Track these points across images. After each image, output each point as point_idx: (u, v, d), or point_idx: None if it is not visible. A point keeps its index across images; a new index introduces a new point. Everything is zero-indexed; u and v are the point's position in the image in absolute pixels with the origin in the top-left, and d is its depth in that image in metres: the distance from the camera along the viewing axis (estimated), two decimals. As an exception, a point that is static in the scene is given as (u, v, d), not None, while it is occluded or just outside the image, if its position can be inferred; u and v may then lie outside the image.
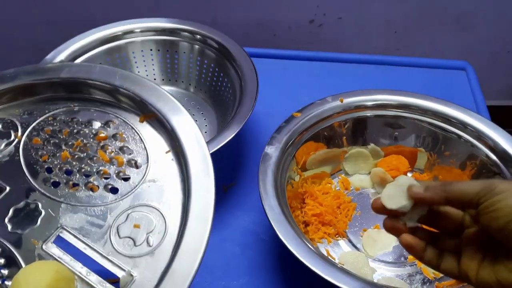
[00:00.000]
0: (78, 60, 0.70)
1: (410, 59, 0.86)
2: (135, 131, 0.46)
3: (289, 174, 0.57)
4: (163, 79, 0.78)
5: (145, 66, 0.77)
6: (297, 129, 0.59)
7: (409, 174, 0.63)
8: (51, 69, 0.49)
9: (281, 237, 0.47)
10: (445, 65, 0.85)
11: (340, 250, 0.56)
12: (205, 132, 0.71)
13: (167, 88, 0.78)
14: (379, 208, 0.38)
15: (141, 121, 0.47)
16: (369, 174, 0.64)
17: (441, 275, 0.52)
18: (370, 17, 1.07)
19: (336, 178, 0.64)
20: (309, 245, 0.47)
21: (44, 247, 0.39)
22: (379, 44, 1.14)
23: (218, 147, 0.55)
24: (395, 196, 0.38)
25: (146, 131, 0.47)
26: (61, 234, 0.40)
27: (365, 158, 0.64)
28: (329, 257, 0.54)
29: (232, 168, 0.68)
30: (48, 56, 0.68)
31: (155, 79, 0.78)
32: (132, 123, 0.47)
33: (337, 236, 0.57)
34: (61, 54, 0.69)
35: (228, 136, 0.57)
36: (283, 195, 0.53)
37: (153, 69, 0.77)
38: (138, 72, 0.77)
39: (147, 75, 0.77)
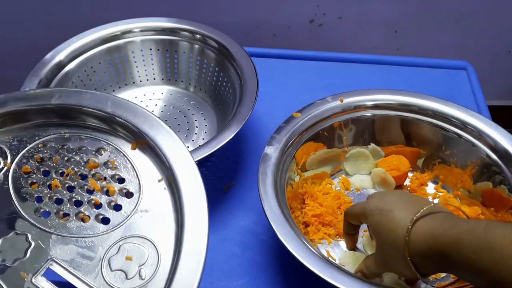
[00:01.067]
0: (78, 60, 0.70)
1: (410, 59, 0.86)
2: (127, 158, 0.45)
3: (289, 174, 0.57)
4: (162, 79, 0.78)
5: (144, 65, 0.76)
6: (297, 129, 0.59)
7: (410, 174, 0.63)
8: (41, 95, 0.48)
9: (280, 238, 0.47)
10: (445, 65, 0.85)
11: (340, 251, 0.56)
12: (205, 132, 0.71)
13: (167, 87, 0.78)
14: None
15: (133, 148, 0.46)
16: (370, 174, 0.64)
17: (441, 275, 0.52)
18: (370, 17, 1.07)
19: (336, 179, 0.64)
20: (309, 246, 0.47)
21: (33, 280, 0.37)
22: (379, 44, 1.14)
23: (218, 147, 0.55)
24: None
25: (138, 158, 0.45)
26: (51, 267, 0.38)
27: (365, 158, 0.64)
28: (329, 258, 0.54)
29: (232, 168, 0.68)
30: (47, 56, 0.68)
31: (154, 79, 0.78)
32: (124, 150, 0.46)
33: (337, 236, 0.57)
34: (60, 54, 0.68)
35: (228, 136, 0.56)
36: (283, 195, 0.53)
37: (153, 69, 0.77)
38: (138, 71, 0.77)
39: (146, 75, 0.77)
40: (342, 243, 0.57)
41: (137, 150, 0.46)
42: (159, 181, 0.44)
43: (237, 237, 0.59)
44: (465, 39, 1.13)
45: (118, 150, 0.46)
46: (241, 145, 0.71)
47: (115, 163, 0.45)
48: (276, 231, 0.47)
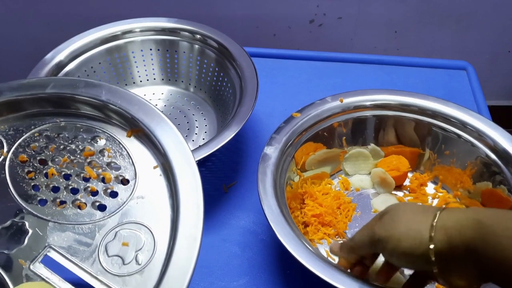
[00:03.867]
0: (78, 60, 0.70)
1: (410, 59, 0.86)
2: (123, 146, 0.46)
3: (288, 174, 0.57)
4: (162, 79, 0.78)
5: (144, 65, 0.76)
6: (296, 130, 0.59)
7: (410, 175, 0.63)
8: (36, 85, 0.48)
9: (280, 238, 0.47)
10: (445, 65, 0.85)
11: (340, 251, 0.56)
12: (205, 132, 0.71)
13: (167, 87, 0.78)
14: None
15: (129, 136, 0.46)
16: (370, 174, 0.64)
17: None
18: (370, 17, 1.07)
19: (336, 179, 0.64)
20: (308, 246, 0.47)
21: (31, 267, 0.38)
22: (379, 44, 1.14)
23: (218, 147, 0.55)
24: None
25: (134, 146, 0.46)
26: (48, 254, 0.39)
27: (365, 158, 0.64)
28: (328, 258, 0.54)
29: (232, 168, 0.68)
30: (48, 56, 0.68)
31: (154, 79, 0.78)
32: (120, 138, 0.46)
33: (337, 237, 0.57)
34: (60, 54, 0.68)
35: (228, 136, 0.56)
36: (282, 195, 0.53)
37: (153, 69, 0.77)
38: (138, 71, 0.77)
39: (147, 75, 0.77)
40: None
41: (132, 138, 0.46)
42: (154, 167, 0.44)
43: (237, 237, 0.60)
44: (465, 39, 1.13)
45: (114, 138, 0.46)
46: (241, 145, 0.71)
47: (111, 151, 0.45)
48: (276, 231, 0.47)
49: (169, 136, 0.44)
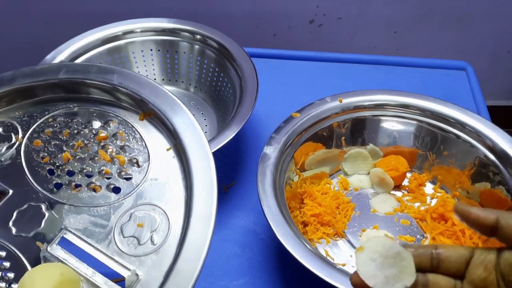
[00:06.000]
0: (79, 60, 0.71)
1: (410, 59, 0.86)
2: (135, 129, 0.46)
3: (288, 174, 0.57)
4: (163, 79, 0.78)
5: (145, 66, 0.77)
6: (296, 130, 0.59)
7: (408, 175, 0.63)
8: (49, 70, 0.49)
9: (279, 237, 0.47)
10: (445, 65, 0.85)
11: (339, 251, 0.56)
12: (205, 132, 0.71)
13: (167, 88, 0.78)
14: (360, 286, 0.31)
15: (141, 119, 0.47)
16: (368, 174, 0.64)
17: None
18: (370, 17, 1.07)
19: (335, 179, 0.64)
20: (308, 246, 0.47)
21: (49, 249, 0.39)
22: (379, 44, 1.14)
23: (218, 147, 0.56)
24: (383, 270, 0.30)
25: (146, 129, 0.46)
26: (65, 236, 0.40)
27: (364, 158, 0.64)
28: (328, 257, 0.55)
29: (232, 168, 0.68)
30: (48, 56, 0.68)
31: (155, 79, 0.78)
32: (132, 121, 0.47)
33: (336, 236, 0.58)
34: (61, 54, 0.69)
35: (228, 136, 0.57)
36: (282, 195, 0.53)
37: (153, 69, 0.77)
38: (139, 72, 0.77)
39: (147, 75, 0.78)
40: (341, 243, 0.57)
41: (145, 121, 0.47)
42: (167, 150, 0.45)
43: (237, 237, 0.60)
44: (465, 39, 1.13)
45: (126, 122, 0.47)
46: (241, 145, 0.71)
47: (124, 134, 0.46)
48: (275, 231, 0.48)
49: (181, 117, 0.45)
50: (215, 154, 0.56)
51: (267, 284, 0.55)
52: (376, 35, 1.11)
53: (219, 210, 0.63)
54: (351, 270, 0.50)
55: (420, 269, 0.32)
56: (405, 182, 0.63)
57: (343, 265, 0.54)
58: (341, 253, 0.56)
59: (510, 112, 1.30)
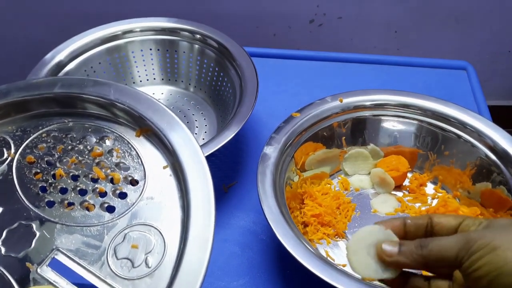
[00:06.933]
0: (78, 60, 0.70)
1: (410, 59, 0.86)
2: (131, 146, 0.45)
3: (288, 174, 0.57)
4: (162, 79, 0.78)
5: (144, 65, 0.76)
6: (296, 129, 0.59)
7: (409, 175, 0.63)
8: (44, 84, 0.47)
9: (279, 238, 0.47)
10: (445, 65, 0.85)
11: (339, 251, 0.56)
12: (205, 132, 0.71)
13: (167, 87, 0.78)
14: None
15: (138, 136, 0.45)
16: (369, 174, 0.64)
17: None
18: (370, 17, 1.07)
19: (335, 179, 0.64)
20: (308, 246, 0.47)
21: (39, 270, 0.37)
22: (379, 44, 1.14)
23: (218, 147, 0.55)
24: (370, 261, 0.31)
25: (143, 146, 0.45)
26: (56, 257, 0.38)
27: (364, 158, 0.64)
28: (328, 258, 0.54)
29: (232, 168, 0.68)
30: (47, 56, 0.68)
31: (154, 78, 0.78)
32: (128, 138, 0.45)
33: (336, 237, 0.57)
34: (60, 54, 0.68)
35: (228, 136, 0.56)
36: (282, 196, 0.53)
37: (153, 69, 0.77)
38: (138, 71, 0.77)
39: (146, 75, 0.77)
40: (341, 243, 0.57)
41: (141, 138, 0.45)
42: (164, 168, 0.43)
43: (237, 237, 0.60)
44: (465, 39, 1.13)
45: (122, 138, 0.45)
46: (241, 145, 0.71)
47: (119, 151, 0.45)
48: (275, 231, 0.48)
49: (179, 135, 0.44)
50: (215, 154, 0.56)
51: (267, 284, 0.55)
52: (376, 35, 1.11)
53: (219, 210, 0.63)
54: (351, 271, 0.50)
55: (409, 267, 0.34)
56: (406, 182, 0.63)
57: (344, 265, 0.53)
58: (342, 253, 0.56)
59: (511, 112, 1.30)
